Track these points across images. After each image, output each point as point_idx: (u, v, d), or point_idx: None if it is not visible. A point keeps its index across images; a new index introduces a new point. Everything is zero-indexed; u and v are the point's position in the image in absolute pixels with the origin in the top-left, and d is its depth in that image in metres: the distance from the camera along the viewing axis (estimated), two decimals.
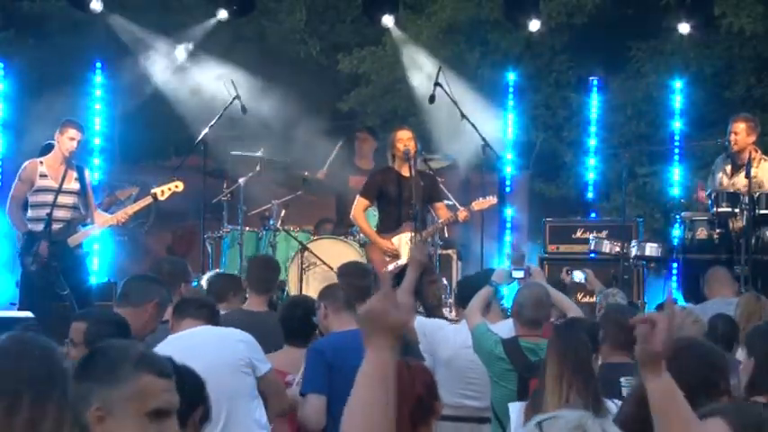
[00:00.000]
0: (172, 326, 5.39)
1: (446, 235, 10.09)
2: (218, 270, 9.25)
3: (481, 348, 5.41)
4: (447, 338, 5.92)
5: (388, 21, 12.31)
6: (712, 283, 7.70)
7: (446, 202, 9.72)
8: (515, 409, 4.29)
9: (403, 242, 8.82)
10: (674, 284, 10.40)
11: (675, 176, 12.74)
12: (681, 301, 8.54)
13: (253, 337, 5.15)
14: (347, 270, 6.69)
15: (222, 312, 6.43)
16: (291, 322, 5.88)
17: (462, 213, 9.02)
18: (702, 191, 9.41)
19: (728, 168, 9.34)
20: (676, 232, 10.16)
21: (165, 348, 4.74)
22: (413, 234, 8.62)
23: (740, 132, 9.24)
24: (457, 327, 6.03)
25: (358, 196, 9.10)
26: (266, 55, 12.52)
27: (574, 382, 3.92)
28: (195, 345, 4.83)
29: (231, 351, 4.97)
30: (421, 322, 6.05)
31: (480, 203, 9.21)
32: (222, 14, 12.05)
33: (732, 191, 8.99)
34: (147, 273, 5.95)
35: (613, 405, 4.23)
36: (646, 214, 12.52)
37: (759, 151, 9.30)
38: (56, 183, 8.54)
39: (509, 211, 12.89)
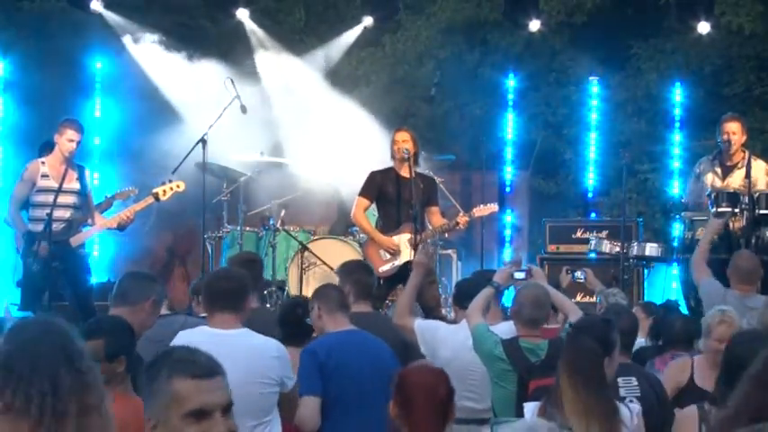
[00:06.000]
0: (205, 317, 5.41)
1: (446, 235, 10.11)
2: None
3: (481, 348, 5.41)
4: (446, 338, 5.92)
5: (367, 21, 12.62)
6: (734, 272, 7.23)
7: (448, 203, 9.73)
8: (529, 409, 4.30)
9: (402, 242, 8.82)
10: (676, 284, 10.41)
11: (675, 176, 12.76)
12: (682, 304, 8.54)
13: None
14: (351, 268, 6.64)
15: None
16: (291, 323, 5.88)
17: (462, 219, 9.01)
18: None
19: (719, 170, 9.33)
20: (676, 232, 10.16)
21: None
22: (412, 235, 8.61)
23: (737, 132, 9.23)
24: (455, 327, 6.03)
25: (357, 196, 9.09)
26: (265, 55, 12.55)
27: (582, 391, 3.94)
28: (229, 353, 4.72)
29: (266, 367, 4.82)
30: (419, 324, 6.05)
31: (481, 210, 9.21)
32: (243, 14, 12.28)
33: (732, 191, 8.98)
34: (141, 270, 5.88)
35: (627, 410, 4.23)
36: (646, 214, 12.54)
37: (746, 151, 9.31)
38: (56, 183, 8.54)
39: (509, 218, 12.91)
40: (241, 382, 4.64)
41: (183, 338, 4.76)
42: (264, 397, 4.80)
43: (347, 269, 6.46)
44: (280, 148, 11.39)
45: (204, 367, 2.68)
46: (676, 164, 12.84)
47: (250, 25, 12.56)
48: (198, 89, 11.61)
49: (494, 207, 9.39)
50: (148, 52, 12.13)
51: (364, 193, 9.03)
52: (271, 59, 12.42)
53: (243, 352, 4.75)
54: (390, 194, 8.89)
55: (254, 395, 4.74)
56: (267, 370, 4.81)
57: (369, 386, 5.21)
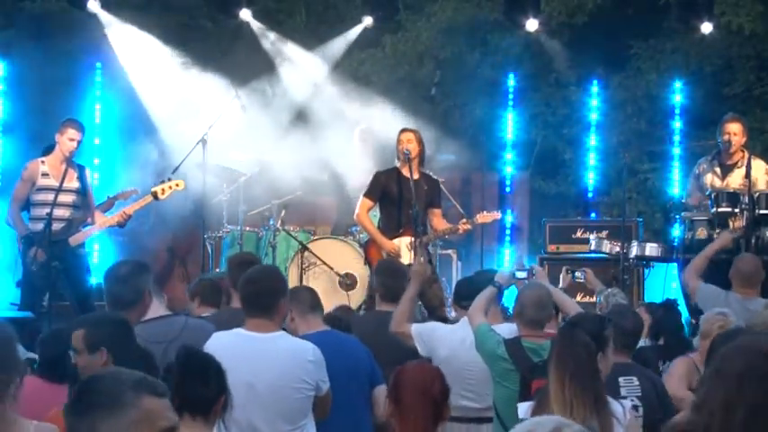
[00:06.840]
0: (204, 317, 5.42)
1: (446, 236, 10.11)
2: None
3: (483, 348, 5.40)
4: (443, 338, 5.90)
5: (367, 21, 12.68)
6: (735, 275, 7.24)
7: (449, 204, 9.72)
8: (523, 409, 4.30)
9: (403, 245, 8.81)
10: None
11: (675, 175, 12.77)
12: (682, 304, 8.54)
13: None
14: (379, 269, 6.71)
15: (210, 313, 6.39)
16: None
17: (464, 226, 9.02)
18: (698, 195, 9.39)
19: (718, 170, 9.34)
20: (676, 232, 10.16)
21: (234, 351, 4.51)
22: (413, 239, 8.60)
23: (738, 133, 9.24)
24: (453, 326, 6.01)
25: (362, 196, 9.08)
26: (265, 56, 12.54)
27: (572, 387, 3.93)
28: (263, 356, 4.67)
29: (302, 370, 4.76)
30: (416, 328, 6.01)
31: (484, 217, 9.23)
32: (246, 14, 12.32)
33: (731, 191, 8.99)
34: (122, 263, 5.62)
35: (619, 405, 4.23)
36: (646, 214, 12.54)
37: (746, 151, 9.32)
38: (57, 182, 8.55)
39: (509, 218, 12.91)
40: (275, 385, 4.63)
41: (218, 340, 4.73)
42: (299, 401, 4.75)
43: (375, 269, 6.68)
44: (280, 148, 11.37)
45: (162, 386, 2.60)
46: (676, 164, 12.84)
47: (256, 25, 12.56)
48: (198, 89, 11.61)
49: (497, 214, 9.42)
50: (147, 52, 12.12)
51: (368, 193, 9.03)
52: (274, 58, 12.42)
53: (277, 355, 4.71)
54: (394, 195, 8.89)
55: (289, 399, 4.70)
56: (302, 373, 4.75)
57: (344, 386, 5.19)
